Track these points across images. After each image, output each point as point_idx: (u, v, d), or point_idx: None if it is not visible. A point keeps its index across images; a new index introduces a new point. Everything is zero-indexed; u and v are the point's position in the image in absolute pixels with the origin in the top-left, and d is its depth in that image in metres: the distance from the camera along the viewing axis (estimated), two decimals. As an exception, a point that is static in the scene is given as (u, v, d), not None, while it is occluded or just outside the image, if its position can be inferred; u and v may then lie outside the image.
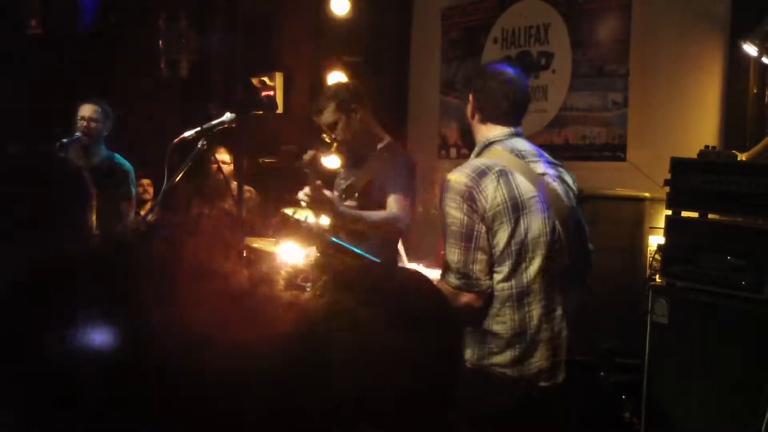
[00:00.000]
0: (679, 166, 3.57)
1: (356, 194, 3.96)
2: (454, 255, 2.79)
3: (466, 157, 6.36)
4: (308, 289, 3.91)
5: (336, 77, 6.07)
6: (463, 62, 5.87)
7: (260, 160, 7.02)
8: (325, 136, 4.00)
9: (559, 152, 5.22)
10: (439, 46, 6.06)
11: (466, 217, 2.77)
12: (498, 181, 2.78)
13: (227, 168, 5.96)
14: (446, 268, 2.84)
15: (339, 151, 4.10)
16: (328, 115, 3.89)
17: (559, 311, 2.87)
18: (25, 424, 0.77)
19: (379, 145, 3.96)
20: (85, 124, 5.06)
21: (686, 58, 4.55)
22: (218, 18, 7.52)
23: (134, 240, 0.94)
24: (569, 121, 5.18)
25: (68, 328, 0.79)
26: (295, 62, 7.03)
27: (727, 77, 4.34)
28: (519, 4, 5.51)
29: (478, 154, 2.96)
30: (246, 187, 5.43)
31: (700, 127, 4.42)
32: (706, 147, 3.64)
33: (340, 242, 3.51)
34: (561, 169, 2.98)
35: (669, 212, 3.61)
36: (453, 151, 5.94)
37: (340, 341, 1.01)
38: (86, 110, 5.10)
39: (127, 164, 5.29)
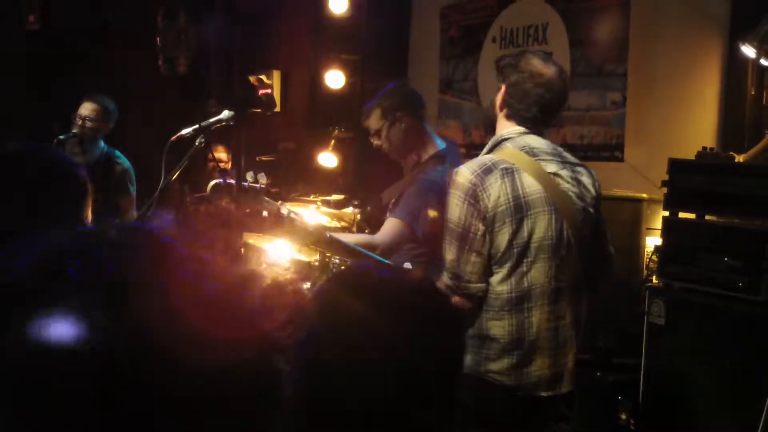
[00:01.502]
0: (676, 167, 3.57)
1: (387, 212, 3.70)
2: (448, 253, 2.72)
3: (464, 156, 6.35)
4: (306, 290, 3.92)
5: (334, 75, 6.07)
6: (462, 61, 5.87)
7: (257, 158, 7.02)
8: (372, 140, 3.74)
9: (557, 152, 5.23)
10: (437, 44, 6.06)
11: (465, 216, 2.67)
12: (502, 179, 2.67)
13: (224, 166, 5.96)
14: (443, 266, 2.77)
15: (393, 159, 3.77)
16: (373, 121, 3.63)
17: (567, 319, 2.75)
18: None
19: (425, 157, 3.63)
20: (80, 123, 5.04)
21: (685, 59, 4.55)
22: (216, 15, 7.51)
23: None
24: (567, 121, 5.17)
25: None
26: (293, 60, 7.03)
27: (725, 78, 4.33)
28: (517, 3, 5.50)
29: (489, 151, 2.83)
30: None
31: (698, 128, 4.42)
32: (704, 148, 3.64)
33: (341, 240, 3.48)
34: (579, 169, 2.85)
35: (666, 213, 3.61)
36: (451, 150, 5.93)
37: (337, 343, 1.01)
38: (85, 109, 5.07)
39: (126, 162, 5.26)
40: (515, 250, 2.67)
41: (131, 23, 7.62)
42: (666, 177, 3.59)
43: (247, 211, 3.66)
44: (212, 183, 3.50)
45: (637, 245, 4.07)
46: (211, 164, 6.13)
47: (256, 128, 6.71)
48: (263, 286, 0.93)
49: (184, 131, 3.65)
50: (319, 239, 3.59)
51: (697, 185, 3.48)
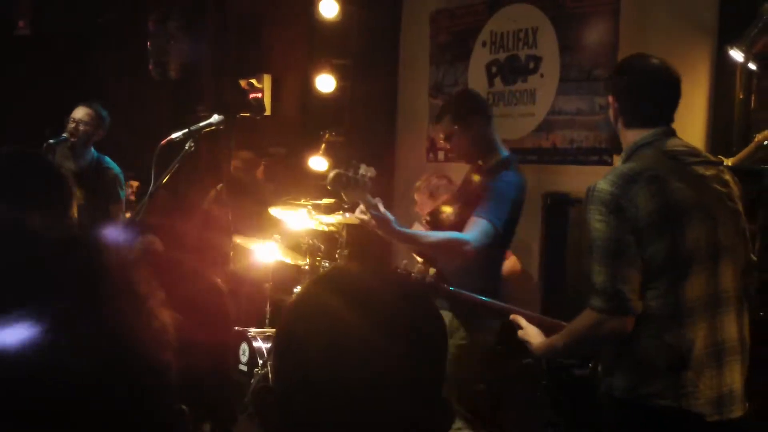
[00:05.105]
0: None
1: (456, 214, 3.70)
2: (599, 275, 2.47)
3: (454, 161, 6.35)
4: (296, 292, 3.93)
5: (325, 80, 6.08)
6: (452, 66, 5.88)
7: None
8: (444, 144, 3.84)
9: (547, 156, 5.25)
10: (427, 49, 6.07)
11: (612, 230, 2.44)
12: (649, 187, 2.45)
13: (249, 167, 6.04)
14: (590, 291, 2.51)
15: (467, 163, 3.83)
16: (444, 126, 3.66)
17: (731, 333, 2.53)
18: None
19: (491, 162, 3.64)
20: (73, 126, 5.03)
21: (673, 63, 4.56)
22: (207, 20, 7.52)
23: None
24: (557, 125, 5.19)
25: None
26: (284, 64, 7.03)
27: (713, 82, 4.35)
28: (508, 7, 5.52)
29: (625, 160, 2.61)
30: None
31: (687, 131, 4.40)
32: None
33: (405, 230, 3.49)
34: (721, 168, 2.65)
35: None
36: (441, 155, 5.94)
37: (319, 346, 1.01)
38: (78, 113, 5.08)
39: (116, 167, 5.26)
40: (671, 263, 2.45)
41: (122, 28, 7.61)
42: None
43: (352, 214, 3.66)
44: (332, 173, 3.33)
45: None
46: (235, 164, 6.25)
47: (247, 132, 6.71)
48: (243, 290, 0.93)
49: (174, 135, 3.66)
50: (400, 237, 3.55)
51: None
